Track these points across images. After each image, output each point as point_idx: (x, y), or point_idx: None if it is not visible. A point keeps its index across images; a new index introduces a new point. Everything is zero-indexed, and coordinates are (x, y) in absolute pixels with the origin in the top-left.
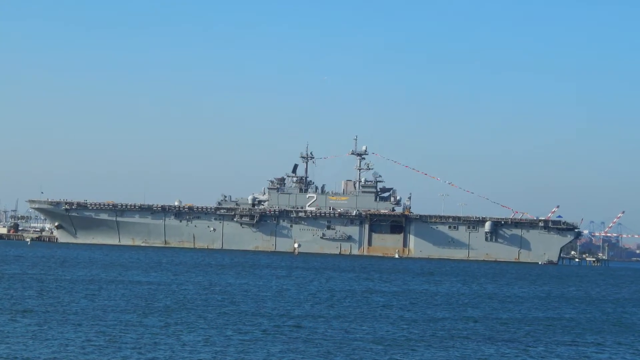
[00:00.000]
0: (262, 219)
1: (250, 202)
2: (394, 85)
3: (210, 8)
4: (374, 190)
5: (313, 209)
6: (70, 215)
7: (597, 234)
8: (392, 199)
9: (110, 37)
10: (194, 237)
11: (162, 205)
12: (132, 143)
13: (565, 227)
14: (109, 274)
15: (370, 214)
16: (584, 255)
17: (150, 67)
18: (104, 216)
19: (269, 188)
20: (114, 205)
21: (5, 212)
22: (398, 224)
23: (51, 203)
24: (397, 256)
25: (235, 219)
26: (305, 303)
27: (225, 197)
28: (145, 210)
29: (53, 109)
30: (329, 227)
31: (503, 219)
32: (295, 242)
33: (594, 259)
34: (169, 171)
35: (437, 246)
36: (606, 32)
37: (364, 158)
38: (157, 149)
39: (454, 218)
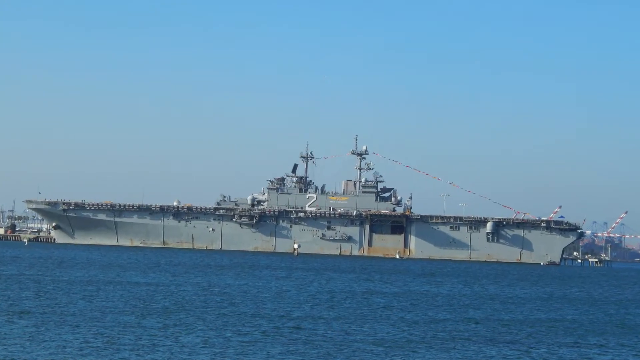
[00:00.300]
0: (262, 219)
1: (249, 202)
2: (394, 85)
3: (210, 8)
4: (374, 190)
5: (313, 209)
6: (68, 215)
7: (599, 234)
8: (392, 199)
9: (110, 37)
10: (192, 238)
11: (160, 206)
12: (132, 143)
13: (567, 227)
14: (107, 274)
15: (371, 215)
16: (586, 256)
17: (150, 67)
18: (101, 216)
19: (268, 188)
20: (112, 206)
21: (2, 212)
22: (399, 224)
23: (48, 203)
24: (397, 257)
25: (234, 220)
26: (305, 304)
27: (224, 197)
28: (144, 210)
29: (52, 109)
30: (329, 228)
31: (505, 219)
32: (295, 243)
33: (596, 260)
34: (168, 171)
35: (438, 247)
36: (606, 32)
37: (364, 158)
38: (156, 149)
39: (455, 218)
